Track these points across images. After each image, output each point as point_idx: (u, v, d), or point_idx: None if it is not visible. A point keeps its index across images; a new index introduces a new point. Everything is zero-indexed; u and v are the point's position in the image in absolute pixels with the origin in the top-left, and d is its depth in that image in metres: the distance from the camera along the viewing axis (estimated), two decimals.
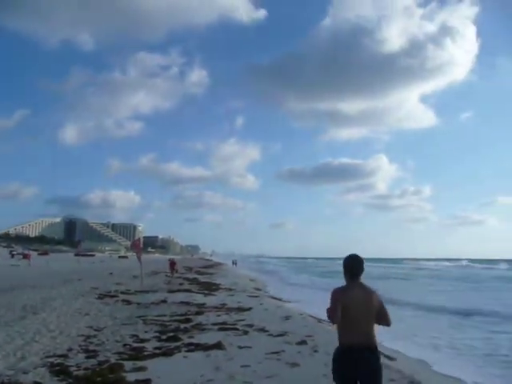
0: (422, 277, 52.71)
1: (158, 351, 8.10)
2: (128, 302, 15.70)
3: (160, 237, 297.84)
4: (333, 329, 4.45)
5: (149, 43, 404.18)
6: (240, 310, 14.24)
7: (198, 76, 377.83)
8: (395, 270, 68.76)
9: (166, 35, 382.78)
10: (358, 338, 3.73)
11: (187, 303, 15.68)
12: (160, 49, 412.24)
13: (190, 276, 34.97)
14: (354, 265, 3.95)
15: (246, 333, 10.09)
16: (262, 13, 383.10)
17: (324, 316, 14.00)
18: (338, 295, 3.79)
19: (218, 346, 8.46)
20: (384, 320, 3.87)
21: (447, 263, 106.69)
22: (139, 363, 7.17)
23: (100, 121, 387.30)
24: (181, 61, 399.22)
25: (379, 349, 3.86)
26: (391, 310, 3.95)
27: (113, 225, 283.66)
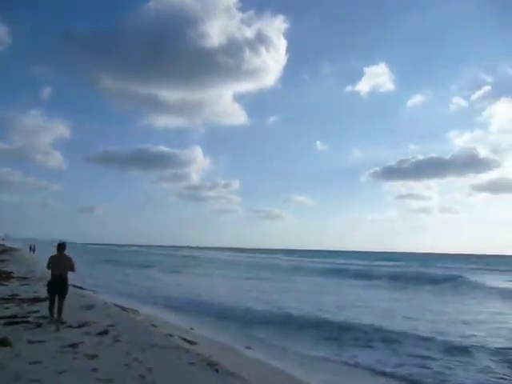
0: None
1: None
2: None
3: None
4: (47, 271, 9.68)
5: None
6: (35, 300, 12.90)
7: None
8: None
9: None
10: (58, 274, 9.25)
11: None
12: None
13: None
14: (59, 246, 9.46)
15: (39, 325, 9.17)
16: None
17: (128, 304, 13.70)
18: (52, 257, 9.48)
19: (3, 342, 7.47)
20: (71, 269, 9.45)
21: (251, 254, 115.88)
22: None
23: None
24: None
25: None
26: None
27: None
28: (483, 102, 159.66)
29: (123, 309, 13.17)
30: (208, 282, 29.94)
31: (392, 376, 8.64)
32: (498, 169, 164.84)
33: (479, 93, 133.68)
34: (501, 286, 29.15)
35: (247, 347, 10.13)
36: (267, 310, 16.09)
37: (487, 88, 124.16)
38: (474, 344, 11.12)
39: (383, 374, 8.81)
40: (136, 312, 13.16)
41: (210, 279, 31.98)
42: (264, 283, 30.17)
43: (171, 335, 9.49)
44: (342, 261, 71.43)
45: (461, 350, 10.51)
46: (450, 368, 9.09)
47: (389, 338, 11.61)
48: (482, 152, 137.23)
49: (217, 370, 6.75)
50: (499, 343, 11.49)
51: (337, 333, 12.32)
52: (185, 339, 9.34)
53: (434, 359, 9.79)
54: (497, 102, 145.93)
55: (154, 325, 10.88)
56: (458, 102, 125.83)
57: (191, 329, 11.79)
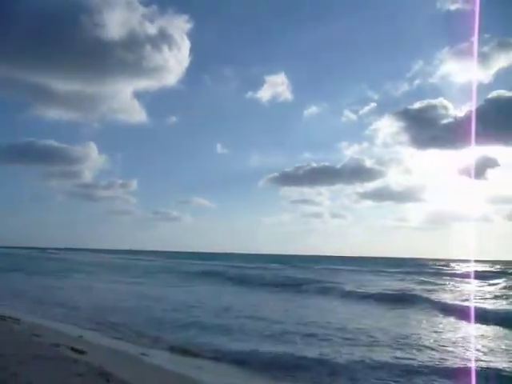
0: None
1: None
2: None
3: None
4: None
5: None
6: None
7: None
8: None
9: None
10: None
11: None
12: None
13: None
14: None
15: None
16: None
17: (5, 312, 12.32)
18: None
19: None
20: None
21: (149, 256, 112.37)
22: None
23: None
24: None
25: None
26: None
27: None
28: (370, 117, 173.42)
29: (0, 318, 11.79)
30: (86, 285, 28.02)
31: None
32: (382, 179, 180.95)
33: (367, 108, 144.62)
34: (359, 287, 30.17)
35: (142, 354, 9.65)
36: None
37: (373, 105, 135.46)
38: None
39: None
40: (16, 321, 11.86)
41: (88, 283, 29.95)
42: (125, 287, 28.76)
43: (57, 345, 8.67)
44: (228, 263, 69.41)
45: None
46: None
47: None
48: (368, 163, 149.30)
49: (108, 381, 6.30)
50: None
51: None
52: (73, 348, 8.60)
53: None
54: (381, 118, 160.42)
55: (36, 334, 9.88)
56: (349, 115, 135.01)
57: (80, 336, 10.93)
